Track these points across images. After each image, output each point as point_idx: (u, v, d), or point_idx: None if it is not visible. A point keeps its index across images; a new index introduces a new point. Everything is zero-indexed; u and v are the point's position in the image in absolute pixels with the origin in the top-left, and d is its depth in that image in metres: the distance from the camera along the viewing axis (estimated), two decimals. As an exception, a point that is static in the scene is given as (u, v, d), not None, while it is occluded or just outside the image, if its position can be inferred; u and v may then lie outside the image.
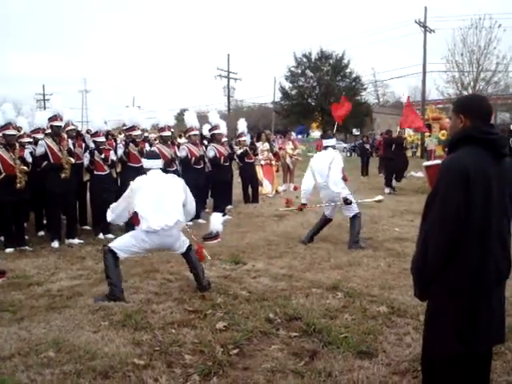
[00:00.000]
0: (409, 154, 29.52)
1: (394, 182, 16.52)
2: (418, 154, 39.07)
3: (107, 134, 10.85)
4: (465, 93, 37.37)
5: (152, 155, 6.33)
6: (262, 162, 14.81)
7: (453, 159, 2.79)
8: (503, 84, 40.15)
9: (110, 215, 6.14)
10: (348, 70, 50.36)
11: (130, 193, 5.87)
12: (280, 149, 16.85)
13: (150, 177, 6.03)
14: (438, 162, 4.58)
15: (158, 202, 5.81)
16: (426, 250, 2.75)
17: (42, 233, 9.81)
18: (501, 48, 36.92)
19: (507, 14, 53.43)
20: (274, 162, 15.37)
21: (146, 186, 5.90)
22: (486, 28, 36.89)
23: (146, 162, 6.17)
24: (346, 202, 8.16)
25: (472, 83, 38.07)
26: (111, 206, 6.14)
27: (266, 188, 15.05)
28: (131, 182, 6.05)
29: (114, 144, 10.25)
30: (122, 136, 11.04)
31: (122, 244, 5.89)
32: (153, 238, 5.83)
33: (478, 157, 2.72)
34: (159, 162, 6.30)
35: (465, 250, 2.69)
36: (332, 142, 8.80)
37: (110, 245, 5.88)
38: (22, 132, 9.77)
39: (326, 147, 8.71)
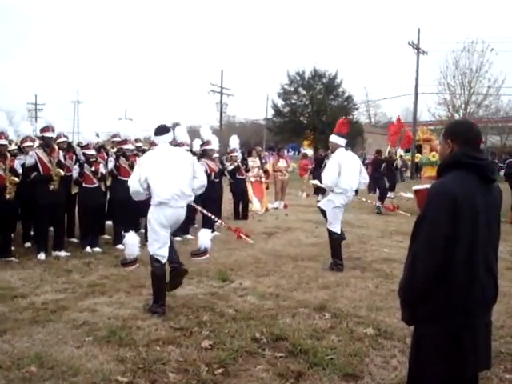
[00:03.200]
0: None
1: (378, 203, 16.54)
2: (408, 174, 39.30)
3: (99, 147, 10.81)
4: (456, 115, 37.75)
5: (161, 130, 6.30)
6: (252, 179, 14.78)
7: (441, 185, 2.81)
8: (494, 107, 40.63)
9: (131, 192, 6.12)
10: (341, 89, 50.56)
11: (140, 167, 5.96)
12: (275, 171, 16.90)
13: (158, 150, 6.15)
14: (427, 186, 4.61)
15: (166, 173, 5.89)
16: (413, 274, 2.75)
17: (28, 244, 9.71)
18: (492, 72, 37.38)
19: (500, 38, 54.20)
20: (264, 180, 15.34)
21: (154, 158, 6.00)
22: (478, 51, 37.38)
23: (156, 139, 6.30)
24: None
25: (463, 106, 38.45)
26: (129, 182, 6.11)
27: (256, 205, 15.02)
28: (140, 158, 6.26)
29: (106, 157, 10.20)
30: (114, 150, 10.98)
31: (151, 242, 5.98)
32: (166, 211, 5.87)
33: (466, 183, 2.74)
34: (168, 137, 6.33)
35: (452, 275, 2.69)
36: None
37: (150, 253, 5.99)
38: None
39: (346, 148, 8.53)
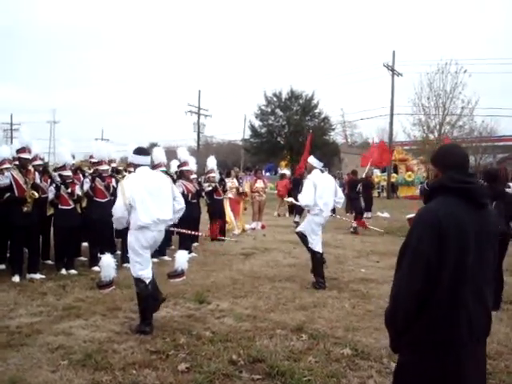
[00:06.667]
0: (375, 193, 30.02)
1: (354, 223, 16.65)
2: (384, 194, 39.72)
3: (76, 169, 10.73)
4: (431, 136, 38.27)
5: (141, 151, 6.31)
6: (230, 195, 14.83)
7: (426, 210, 2.69)
8: (468, 128, 41.12)
9: (115, 219, 6.07)
10: (317, 110, 50.94)
11: (123, 192, 5.89)
12: (252, 192, 16.98)
13: (139, 173, 6.14)
14: None
15: (149, 197, 5.91)
16: (395, 305, 2.67)
17: (2, 266, 9.55)
18: (466, 93, 37.93)
19: (473, 59, 55.28)
20: (241, 202, 15.39)
21: (136, 183, 5.97)
22: (451, 73, 37.94)
23: (135, 158, 6.25)
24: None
25: (438, 126, 38.91)
26: (114, 210, 6.03)
27: (232, 223, 15.03)
28: (122, 181, 6.28)
29: (82, 179, 10.14)
30: (90, 171, 10.91)
31: (133, 264, 6.04)
32: (147, 234, 5.92)
33: (452, 207, 2.61)
34: (148, 159, 6.41)
35: (434, 304, 2.58)
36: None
37: (133, 275, 6.04)
38: None
39: (322, 170, 8.79)
